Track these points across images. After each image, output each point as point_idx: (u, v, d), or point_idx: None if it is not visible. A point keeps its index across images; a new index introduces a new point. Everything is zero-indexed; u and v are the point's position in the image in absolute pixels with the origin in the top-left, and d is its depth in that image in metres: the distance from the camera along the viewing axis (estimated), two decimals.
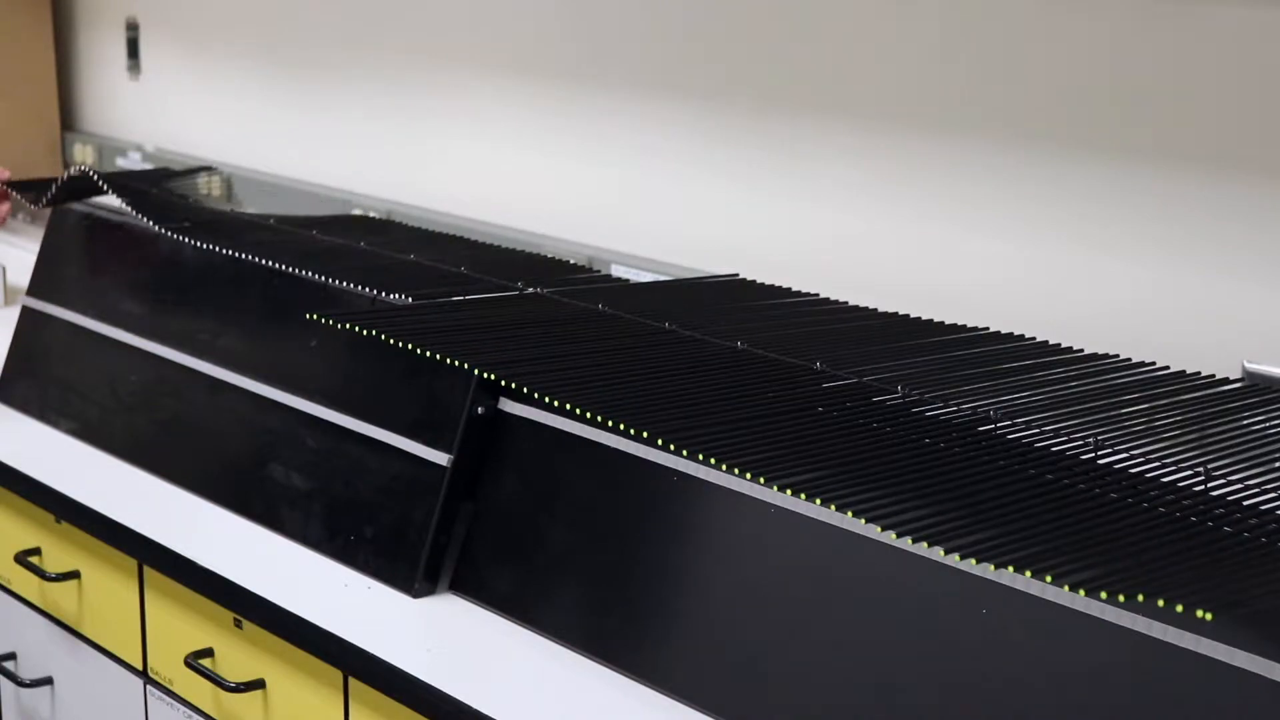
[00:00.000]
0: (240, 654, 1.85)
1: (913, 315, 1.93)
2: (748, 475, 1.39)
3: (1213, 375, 1.66)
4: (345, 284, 1.98)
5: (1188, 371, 1.68)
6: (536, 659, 1.62)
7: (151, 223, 2.25)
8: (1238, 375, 1.70)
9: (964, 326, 1.87)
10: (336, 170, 2.99)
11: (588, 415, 1.56)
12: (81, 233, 2.44)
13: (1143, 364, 1.71)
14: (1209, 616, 1.10)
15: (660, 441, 1.47)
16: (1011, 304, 2.00)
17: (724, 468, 1.42)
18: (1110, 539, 1.24)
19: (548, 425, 1.72)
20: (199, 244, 2.18)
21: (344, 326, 1.81)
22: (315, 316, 1.85)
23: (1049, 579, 1.18)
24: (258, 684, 1.83)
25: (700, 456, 1.43)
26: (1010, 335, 1.83)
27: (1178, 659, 1.22)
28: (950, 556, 1.24)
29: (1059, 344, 1.78)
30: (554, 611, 1.66)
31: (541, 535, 1.70)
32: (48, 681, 2.21)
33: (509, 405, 1.77)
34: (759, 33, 2.26)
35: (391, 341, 1.75)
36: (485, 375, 1.69)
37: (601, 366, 1.68)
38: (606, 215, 2.52)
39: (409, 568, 1.77)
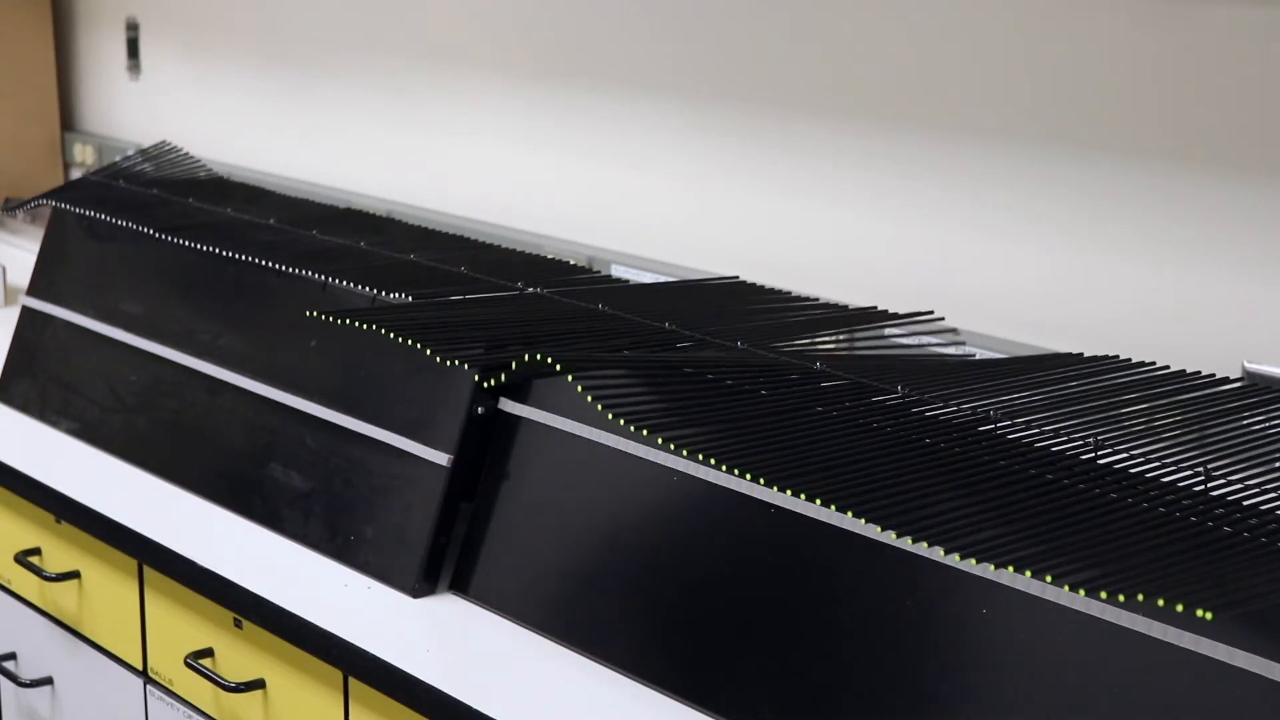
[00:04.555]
0: (240, 654, 1.85)
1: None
2: (747, 475, 1.39)
3: (1213, 375, 1.66)
4: (345, 283, 1.98)
5: (1188, 371, 1.68)
6: (536, 659, 1.62)
7: (153, 231, 2.26)
8: (1238, 375, 1.70)
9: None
10: (336, 170, 2.99)
11: (588, 409, 1.56)
12: (81, 233, 2.44)
13: (1143, 364, 1.71)
14: (1209, 616, 1.10)
15: (660, 441, 1.47)
16: (1011, 304, 2.00)
17: (724, 468, 1.42)
18: (1110, 539, 1.24)
19: (547, 425, 1.72)
20: (199, 246, 2.19)
21: (344, 322, 1.81)
22: (315, 314, 1.85)
23: (1049, 579, 1.18)
24: (258, 684, 1.83)
25: (700, 456, 1.43)
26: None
27: (1178, 659, 1.22)
28: (950, 556, 1.24)
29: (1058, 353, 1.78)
30: (554, 611, 1.66)
31: (541, 535, 1.71)
32: (48, 681, 2.21)
33: (509, 405, 1.77)
34: (759, 33, 2.26)
35: (393, 336, 1.74)
36: (486, 383, 1.69)
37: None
38: (606, 215, 2.52)
39: (409, 568, 1.77)
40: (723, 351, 1.70)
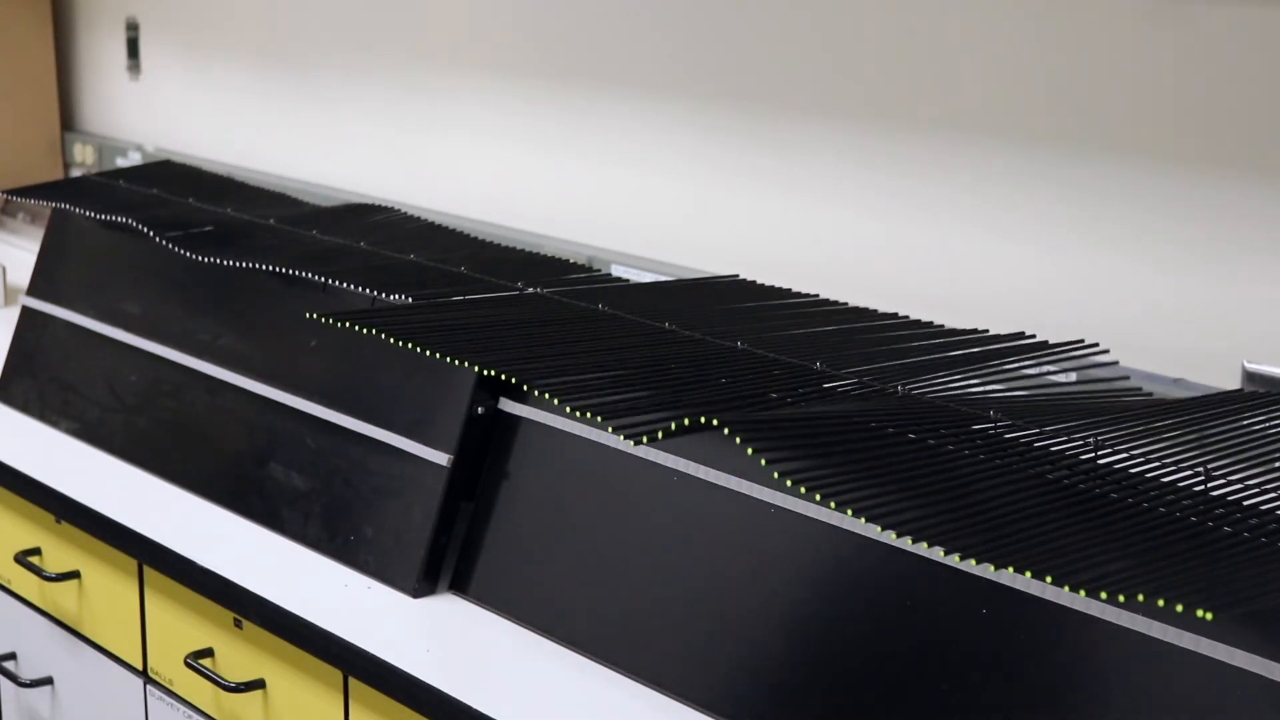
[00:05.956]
0: (240, 654, 1.85)
1: (912, 315, 1.93)
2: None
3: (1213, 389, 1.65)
4: (345, 284, 1.98)
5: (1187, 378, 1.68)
6: (536, 659, 1.62)
7: (153, 234, 2.25)
8: (1237, 375, 1.70)
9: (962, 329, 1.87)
10: (336, 170, 2.99)
11: (587, 416, 1.56)
12: (81, 233, 2.44)
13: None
14: (1209, 616, 1.10)
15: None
16: (1012, 304, 2.00)
17: (731, 438, 1.41)
18: (1110, 539, 1.24)
19: (547, 425, 1.72)
20: (200, 255, 2.19)
21: (344, 325, 1.81)
22: (315, 316, 1.86)
23: (1049, 579, 1.18)
24: (258, 684, 1.83)
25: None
26: (1010, 335, 1.83)
27: (1178, 659, 1.22)
28: (950, 556, 1.24)
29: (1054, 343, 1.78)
30: (554, 611, 1.66)
31: (541, 535, 1.70)
32: (48, 681, 2.21)
33: (509, 405, 1.77)
34: (759, 33, 2.26)
35: (391, 339, 1.75)
36: (485, 372, 1.69)
37: (601, 367, 1.68)
38: (606, 215, 2.52)
39: (409, 567, 1.77)
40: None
